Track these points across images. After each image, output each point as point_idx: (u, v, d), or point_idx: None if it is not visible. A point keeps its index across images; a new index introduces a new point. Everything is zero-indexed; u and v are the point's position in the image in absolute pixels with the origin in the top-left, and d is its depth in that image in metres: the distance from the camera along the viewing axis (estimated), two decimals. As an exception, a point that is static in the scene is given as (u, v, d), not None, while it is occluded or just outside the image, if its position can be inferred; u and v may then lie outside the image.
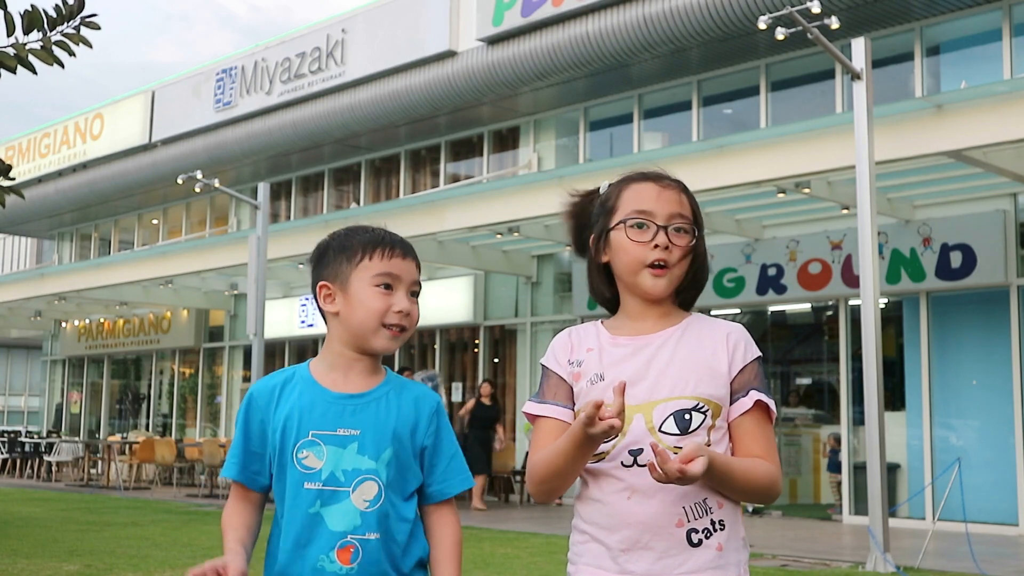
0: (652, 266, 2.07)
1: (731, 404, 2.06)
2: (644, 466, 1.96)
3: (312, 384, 2.20)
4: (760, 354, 2.10)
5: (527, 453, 16.35)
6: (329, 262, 2.23)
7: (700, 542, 1.99)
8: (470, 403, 15.00)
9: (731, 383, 2.06)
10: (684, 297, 2.17)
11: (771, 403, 2.07)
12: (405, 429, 2.18)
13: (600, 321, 2.18)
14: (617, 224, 2.11)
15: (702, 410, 2.02)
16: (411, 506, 2.19)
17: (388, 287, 2.18)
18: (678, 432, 2.00)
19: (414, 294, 2.24)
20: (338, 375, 2.20)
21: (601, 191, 2.20)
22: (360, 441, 2.14)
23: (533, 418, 2.15)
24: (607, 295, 2.19)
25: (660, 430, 2.00)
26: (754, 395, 2.05)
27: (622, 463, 2.01)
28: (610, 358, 2.08)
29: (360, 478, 2.12)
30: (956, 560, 9.28)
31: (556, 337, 2.19)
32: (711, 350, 2.06)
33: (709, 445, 2.01)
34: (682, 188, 2.16)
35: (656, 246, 2.06)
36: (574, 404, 2.10)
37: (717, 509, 2.01)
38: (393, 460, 2.14)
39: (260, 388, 2.23)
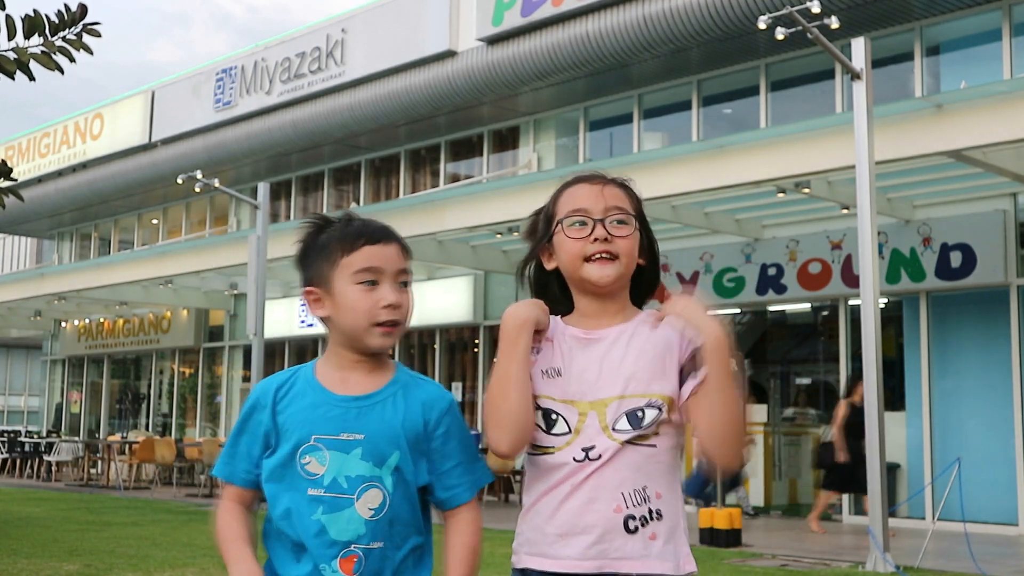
0: (594, 259, 2.07)
1: (684, 384, 2.04)
2: (595, 460, 2.01)
3: (316, 386, 2.09)
4: None
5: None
6: (311, 264, 2.12)
7: (636, 529, 2.00)
8: (842, 409, 11.83)
9: (684, 364, 2.05)
10: (634, 297, 2.17)
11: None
12: (411, 432, 2.07)
13: (560, 317, 2.17)
14: (556, 226, 2.12)
15: (656, 405, 2.03)
16: (419, 513, 2.09)
17: (372, 283, 2.06)
18: (631, 428, 2.02)
19: (403, 283, 2.10)
20: (343, 376, 2.10)
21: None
22: (364, 446, 2.03)
23: None
24: (561, 301, 2.18)
25: (613, 428, 2.02)
26: (702, 374, 2.03)
27: (574, 458, 2.03)
28: (567, 351, 2.09)
29: (364, 485, 2.02)
30: (956, 560, 9.28)
31: None
32: (665, 343, 2.06)
33: (657, 435, 2.03)
34: (621, 185, 2.16)
35: (596, 239, 2.07)
36: None
37: (655, 499, 2.03)
38: (399, 466, 2.04)
39: (264, 388, 2.12)
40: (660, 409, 2.03)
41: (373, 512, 2.03)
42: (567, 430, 2.04)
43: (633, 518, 2.00)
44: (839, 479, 11.71)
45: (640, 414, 2.02)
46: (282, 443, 2.06)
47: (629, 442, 2.02)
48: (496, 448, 2.05)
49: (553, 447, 2.05)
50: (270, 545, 2.10)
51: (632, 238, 2.09)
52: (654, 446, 2.03)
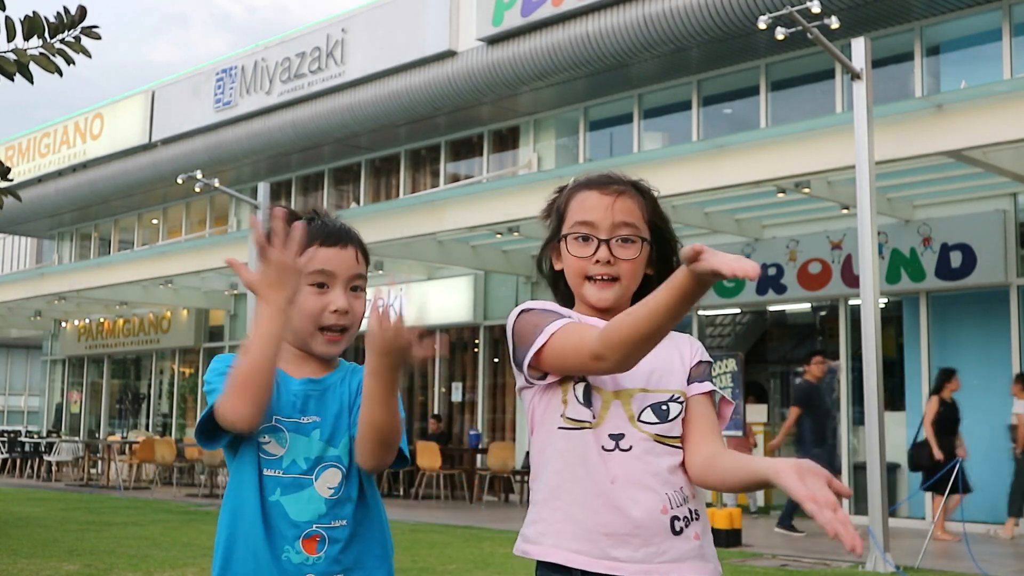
0: (595, 279, 2.05)
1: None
2: (626, 451, 1.97)
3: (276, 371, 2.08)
4: (712, 362, 2.15)
5: (528, 453, 16.23)
6: None
7: (681, 531, 1.98)
8: (933, 405, 11.20)
9: (688, 372, 2.08)
10: None
11: (722, 393, 2.11)
12: (353, 408, 2.08)
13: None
14: (563, 235, 2.10)
15: (679, 400, 2.04)
16: (377, 495, 2.13)
17: (322, 285, 2.06)
18: (658, 421, 2.01)
19: (356, 288, 2.08)
20: (296, 366, 2.11)
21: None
22: (322, 428, 2.05)
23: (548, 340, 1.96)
24: (569, 298, 2.17)
25: (639, 419, 2.00)
26: (706, 385, 2.08)
27: (603, 447, 1.98)
28: None
29: (323, 465, 2.04)
30: (956, 560, 9.29)
31: (534, 301, 2.10)
32: (678, 351, 2.09)
33: (683, 438, 2.05)
34: (637, 192, 2.11)
35: (598, 261, 2.04)
36: None
37: (691, 499, 2.02)
38: (351, 442, 2.06)
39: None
40: (682, 404, 2.04)
41: (332, 491, 2.04)
42: (592, 417, 2.00)
43: (678, 519, 1.98)
44: (941, 480, 10.60)
45: (665, 407, 2.02)
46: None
47: (665, 443, 2.01)
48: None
49: (585, 421, 2.00)
50: (227, 530, 2.07)
51: (637, 260, 2.06)
52: (682, 450, 2.04)
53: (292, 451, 2.03)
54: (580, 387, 2.01)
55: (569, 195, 2.14)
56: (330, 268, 2.07)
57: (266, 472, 2.03)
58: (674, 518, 1.97)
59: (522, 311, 2.06)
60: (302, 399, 2.07)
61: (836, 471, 11.62)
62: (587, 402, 2.00)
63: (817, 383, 11.56)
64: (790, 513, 11.46)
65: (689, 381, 2.08)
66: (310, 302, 2.07)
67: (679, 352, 2.09)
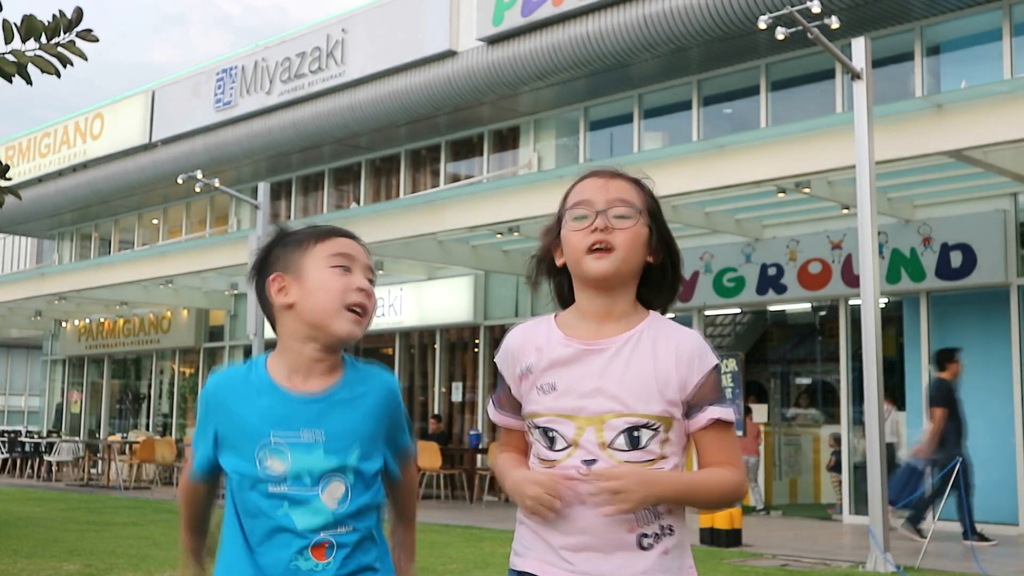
0: (592, 250, 2.05)
1: (689, 418, 2.04)
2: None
3: (271, 386, 2.10)
4: (716, 362, 2.05)
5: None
6: (278, 257, 2.15)
7: (650, 546, 1.99)
8: None
9: (688, 399, 2.03)
10: (656, 301, 2.13)
11: (726, 414, 2.04)
12: (371, 425, 2.12)
13: (554, 315, 2.15)
14: (563, 219, 2.12)
15: (653, 427, 2.01)
16: (378, 491, 2.15)
17: (345, 268, 2.11)
18: (628, 448, 2.00)
19: (369, 281, 2.16)
20: (299, 377, 2.11)
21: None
22: (325, 444, 2.07)
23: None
24: (572, 301, 2.16)
25: (611, 447, 1.99)
26: (709, 412, 2.03)
27: (578, 470, 2.00)
28: (559, 361, 2.05)
29: (327, 478, 2.06)
30: (956, 560, 9.29)
31: (510, 334, 2.15)
32: (663, 364, 2.02)
33: (665, 458, 2.01)
34: (633, 181, 2.14)
35: (595, 230, 2.05)
36: (519, 408, 2.11)
37: (666, 514, 2.02)
38: (359, 459, 2.09)
39: (218, 384, 2.13)
40: (656, 431, 2.01)
41: (339, 502, 2.07)
42: (566, 444, 2.02)
43: (647, 535, 1.99)
44: None
45: (636, 434, 2.00)
46: (239, 441, 2.08)
47: (633, 463, 2.00)
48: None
49: (556, 460, 2.03)
50: (232, 542, 2.11)
51: (633, 231, 2.05)
52: (662, 468, 2.02)
53: (295, 467, 2.05)
54: (537, 432, 2.07)
55: (568, 191, 2.16)
56: (351, 252, 2.13)
57: (271, 489, 2.05)
58: (642, 535, 1.99)
59: (496, 355, 2.17)
60: (302, 417, 2.07)
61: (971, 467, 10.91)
62: (550, 444, 2.05)
63: (952, 381, 10.87)
64: (918, 516, 10.66)
65: (690, 408, 2.03)
66: (336, 281, 2.10)
67: (666, 369, 2.02)
